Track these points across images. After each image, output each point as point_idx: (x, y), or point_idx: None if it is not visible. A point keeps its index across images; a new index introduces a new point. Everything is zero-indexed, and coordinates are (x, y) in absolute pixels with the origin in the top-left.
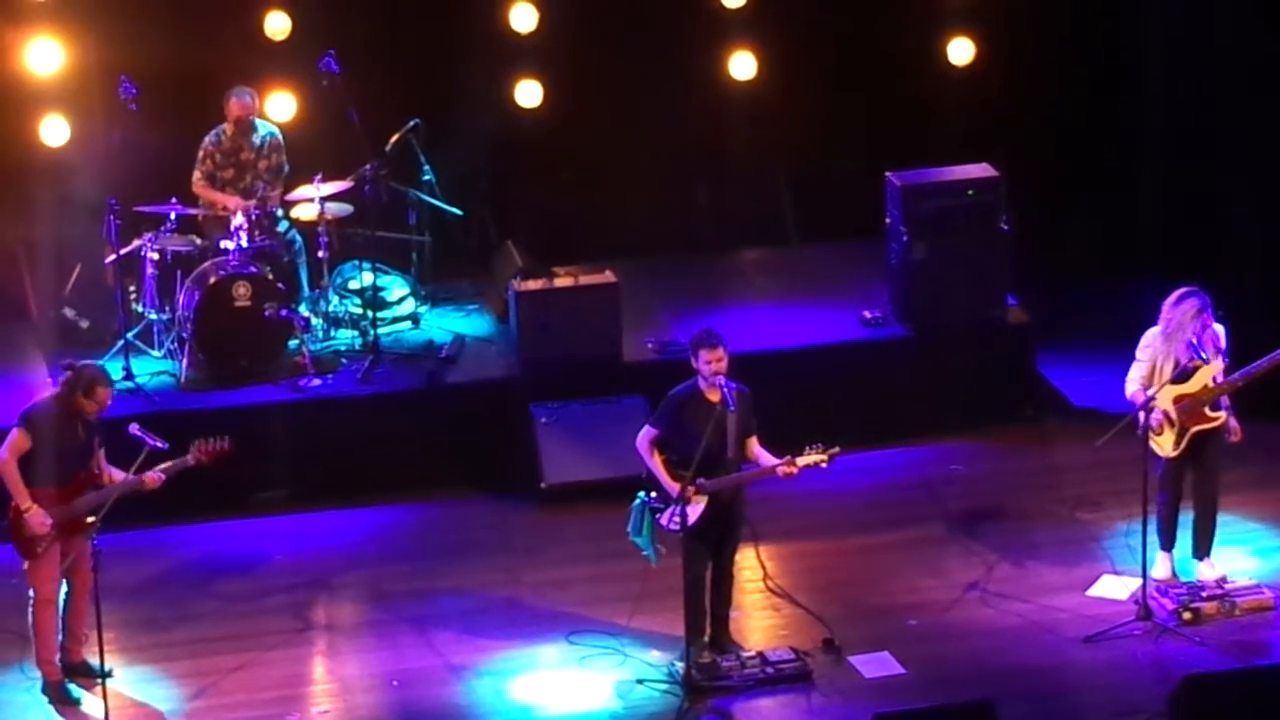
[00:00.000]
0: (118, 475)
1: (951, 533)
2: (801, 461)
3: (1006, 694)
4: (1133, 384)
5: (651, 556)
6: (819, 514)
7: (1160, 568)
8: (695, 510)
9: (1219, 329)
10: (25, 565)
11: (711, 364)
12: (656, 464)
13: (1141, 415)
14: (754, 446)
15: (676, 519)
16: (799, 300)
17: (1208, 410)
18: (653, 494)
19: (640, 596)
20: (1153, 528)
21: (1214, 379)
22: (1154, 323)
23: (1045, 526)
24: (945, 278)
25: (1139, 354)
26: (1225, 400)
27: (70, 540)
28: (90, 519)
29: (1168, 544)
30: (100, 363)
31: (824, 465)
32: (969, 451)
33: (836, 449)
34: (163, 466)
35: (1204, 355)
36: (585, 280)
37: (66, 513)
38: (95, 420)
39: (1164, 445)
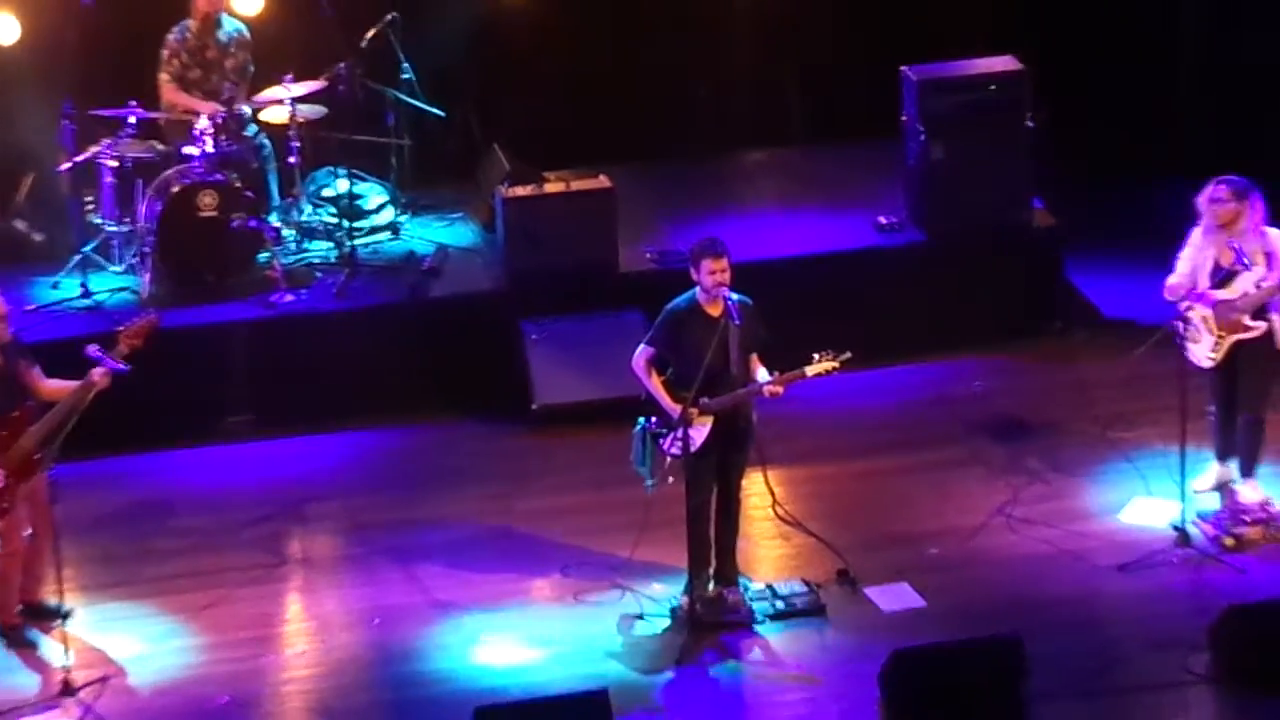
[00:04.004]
0: (67, 387)
1: (974, 455)
2: (811, 371)
3: (1034, 627)
4: (1172, 279)
5: (649, 485)
6: (831, 435)
7: (1208, 477)
8: (700, 433)
9: (1273, 232)
10: None
11: (715, 274)
12: (655, 385)
13: (1178, 323)
14: (757, 365)
15: (679, 443)
16: (808, 205)
17: (1246, 319)
18: (653, 418)
19: (642, 526)
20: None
21: (1256, 284)
22: (1193, 223)
23: (1075, 447)
24: (966, 179)
25: (1182, 253)
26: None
27: (29, 481)
28: (40, 454)
29: (1221, 454)
30: None
31: (837, 371)
32: (992, 367)
33: (848, 354)
34: (98, 371)
35: (1246, 261)
36: (578, 186)
37: (15, 455)
38: (9, 343)
39: (1199, 354)
